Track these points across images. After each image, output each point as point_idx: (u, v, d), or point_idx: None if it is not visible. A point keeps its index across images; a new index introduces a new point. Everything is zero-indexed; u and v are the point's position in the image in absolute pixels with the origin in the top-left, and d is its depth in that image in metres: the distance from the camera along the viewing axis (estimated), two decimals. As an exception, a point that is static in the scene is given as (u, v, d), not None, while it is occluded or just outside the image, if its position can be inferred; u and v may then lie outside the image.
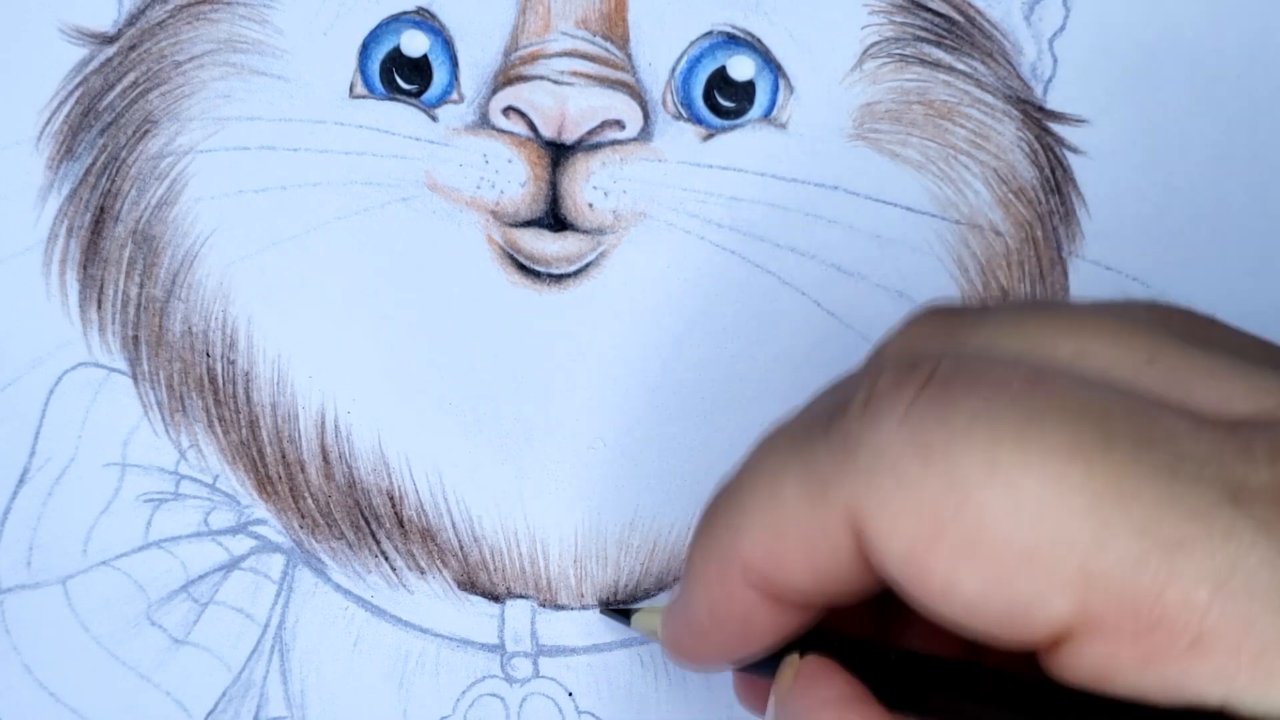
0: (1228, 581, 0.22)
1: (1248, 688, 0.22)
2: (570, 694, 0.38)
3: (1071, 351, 0.25)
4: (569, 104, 0.38)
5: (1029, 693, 0.25)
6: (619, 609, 0.38)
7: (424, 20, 0.39)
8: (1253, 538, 0.22)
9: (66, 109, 0.39)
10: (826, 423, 0.25)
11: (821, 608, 0.27)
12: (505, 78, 0.38)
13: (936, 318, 0.27)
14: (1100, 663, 0.23)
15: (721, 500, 0.27)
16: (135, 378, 0.39)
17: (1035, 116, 0.39)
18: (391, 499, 0.38)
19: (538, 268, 0.38)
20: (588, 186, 0.38)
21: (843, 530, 0.24)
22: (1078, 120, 0.39)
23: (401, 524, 0.38)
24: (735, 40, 0.38)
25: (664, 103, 0.38)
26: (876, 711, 0.26)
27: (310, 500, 0.38)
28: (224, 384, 0.38)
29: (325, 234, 0.38)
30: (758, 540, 0.26)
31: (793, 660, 0.28)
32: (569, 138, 0.38)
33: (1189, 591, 0.22)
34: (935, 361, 0.24)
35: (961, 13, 0.39)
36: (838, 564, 0.25)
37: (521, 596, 0.38)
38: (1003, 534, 0.23)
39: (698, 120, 0.38)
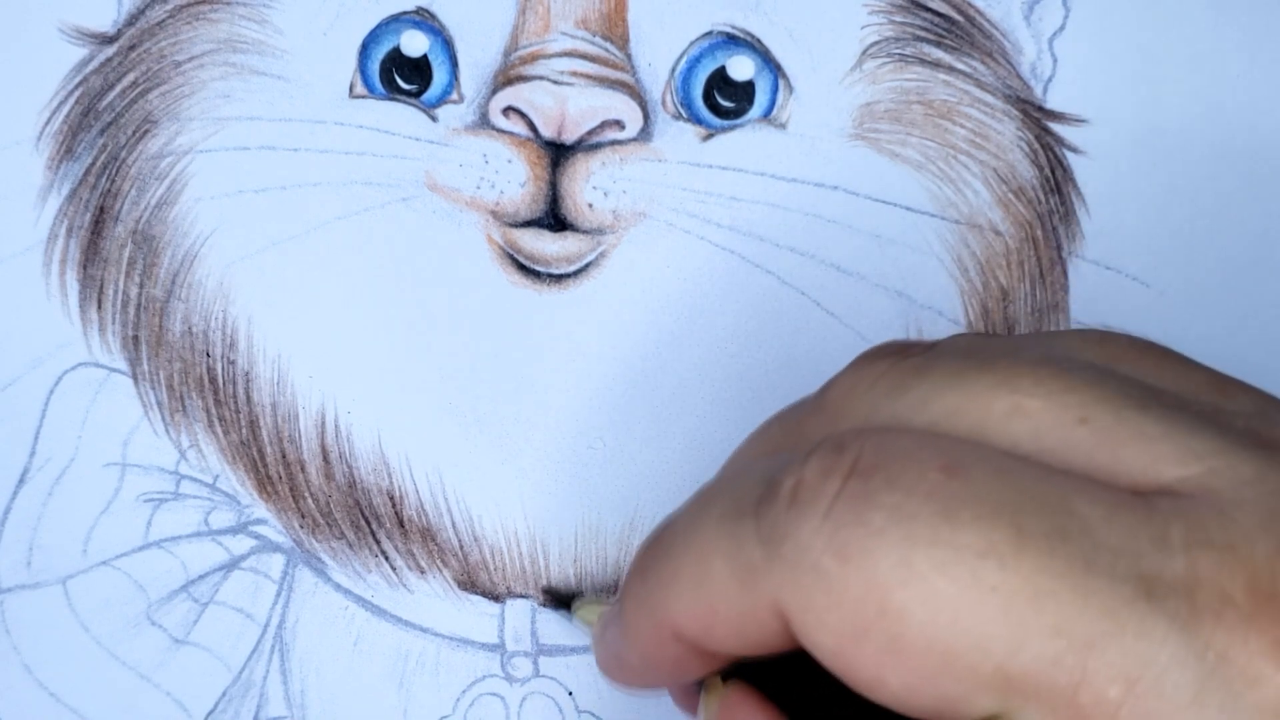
0: (1139, 680, 0.22)
1: None
2: (570, 693, 0.38)
3: (1007, 409, 0.25)
4: (569, 104, 0.38)
5: None
6: (559, 597, 0.38)
7: (424, 20, 0.39)
8: (1164, 634, 0.22)
9: (66, 109, 0.39)
10: (756, 505, 0.25)
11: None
12: (505, 78, 0.38)
13: (883, 362, 0.27)
14: None
15: (656, 554, 0.27)
16: (135, 378, 0.39)
17: (1035, 116, 0.39)
18: (391, 499, 0.38)
19: (538, 268, 0.38)
20: (587, 186, 0.38)
21: (770, 615, 0.25)
22: (1078, 120, 0.39)
23: (401, 524, 0.38)
24: (735, 40, 0.38)
25: (664, 103, 0.38)
26: None
27: (310, 500, 0.38)
28: (224, 384, 0.38)
29: (325, 234, 0.38)
30: (688, 609, 0.26)
31: (716, 686, 0.28)
32: (569, 138, 0.38)
33: (1102, 690, 0.22)
34: (862, 443, 0.25)
35: (961, 12, 0.39)
36: (766, 637, 0.26)
37: (521, 596, 0.38)
38: (922, 636, 0.23)
39: (697, 120, 0.38)
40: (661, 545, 0.27)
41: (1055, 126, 0.39)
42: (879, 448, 0.24)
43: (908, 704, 0.24)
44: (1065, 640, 0.22)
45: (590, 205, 0.38)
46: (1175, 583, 0.23)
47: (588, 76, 0.38)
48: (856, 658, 0.24)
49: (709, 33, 0.38)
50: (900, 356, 0.27)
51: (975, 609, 0.23)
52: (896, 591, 0.23)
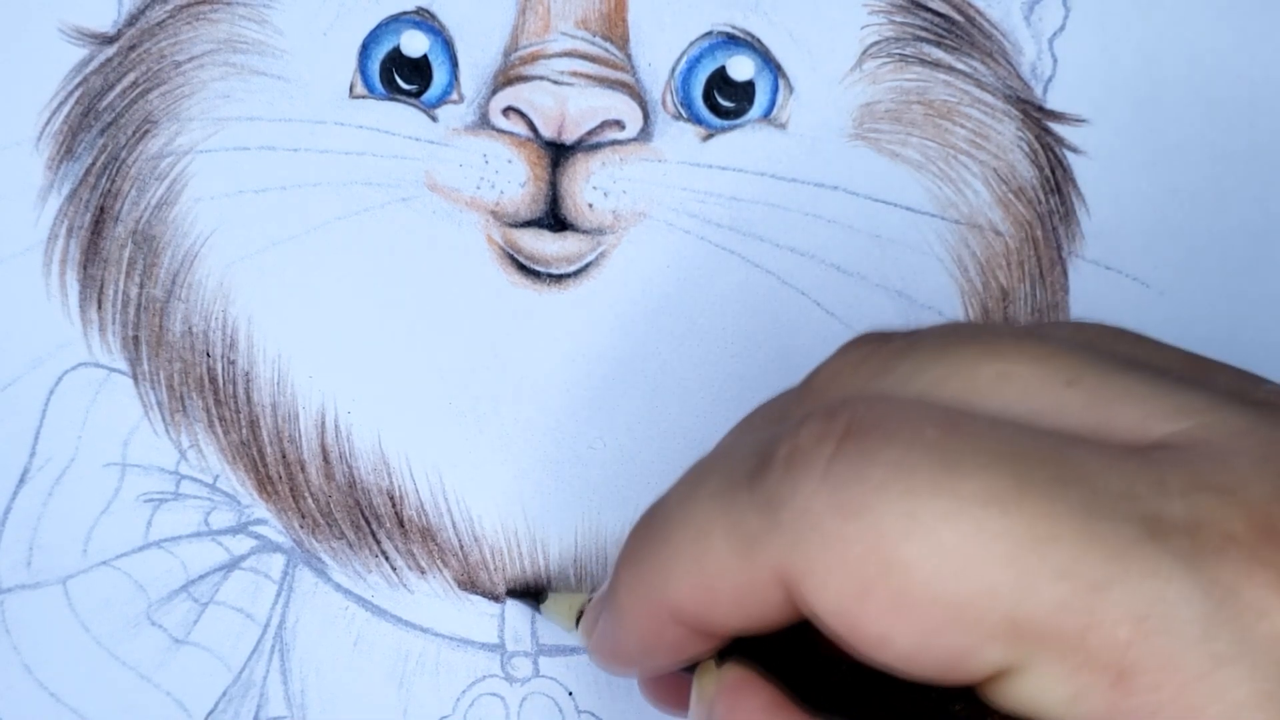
0: (1147, 618, 0.22)
1: None
2: (570, 693, 0.38)
3: (994, 374, 0.25)
4: (569, 104, 0.38)
5: (942, 698, 0.25)
6: (527, 593, 0.38)
7: (424, 20, 0.39)
8: (1169, 572, 0.22)
9: (66, 109, 0.39)
10: (751, 476, 0.25)
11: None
12: (505, 78, 0.38)
13: (867, 346, 0.27)
14: (1033, 697, 0.23)
15: (649, 537, 0.27)
16: (135, 378, 0.39)
17: (1035, 116, 0.39)
18: (391, 499, 0.38)
19: (538, 268, 0.38)
20: (588, 187, 0.38)
21: (772, 584, 0.25)
22: (1078, 120, 0.39)
23: (401, 524, 0.38)
24: (735, 40, 0.38)
25: (664, 103, 0.38)
26: (801, 717, 0.27)
27: (310, 500, 0.38)
28: (224, 384, 0.38)
29: (325, 234, 0.38)
30: (686, 588, 0.26)
31: (710, 668, 0.28)
32: (569, 138, 0.38)
33: (1111, 631, 0.22)
34: (854, 408, 0.25)
35: (961, 12, 0.39)
36: (767, 610, 0.25)
37: (521, 596, 0.38)
38: (928, 589, 0.23)
39: (697, 120, 0.38)
40: (654, 527, 0.27)
41: (1055, 126, 0.39)
42: (872, 410, 0.24)
43: (914, 663, 0.24)
44: (1072, 583, 0.22)
45: (590, 205, 0.38)
46: (1178, 523, 0.22)
47: (588, 76, 0.38)
48: (862, 617, 0.23)
49: (709, 33, 0.38)
50: (883, 341, 0.27)
51: (980, 557, 0.22)
52: (901, 544, 0.23)
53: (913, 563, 0.23)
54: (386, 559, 0.38)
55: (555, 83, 0.38)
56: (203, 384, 0.38)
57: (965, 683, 0.24)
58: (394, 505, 0.38)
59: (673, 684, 0.33)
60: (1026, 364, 0.25)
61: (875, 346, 0.27)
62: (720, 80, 0.38)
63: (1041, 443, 0.24)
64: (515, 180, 0.38)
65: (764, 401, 0.30)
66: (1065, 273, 0.39)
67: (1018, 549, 0.22)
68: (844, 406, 0.25)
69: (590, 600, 0.33)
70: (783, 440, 0.25)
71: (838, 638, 0.24)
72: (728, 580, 0.25)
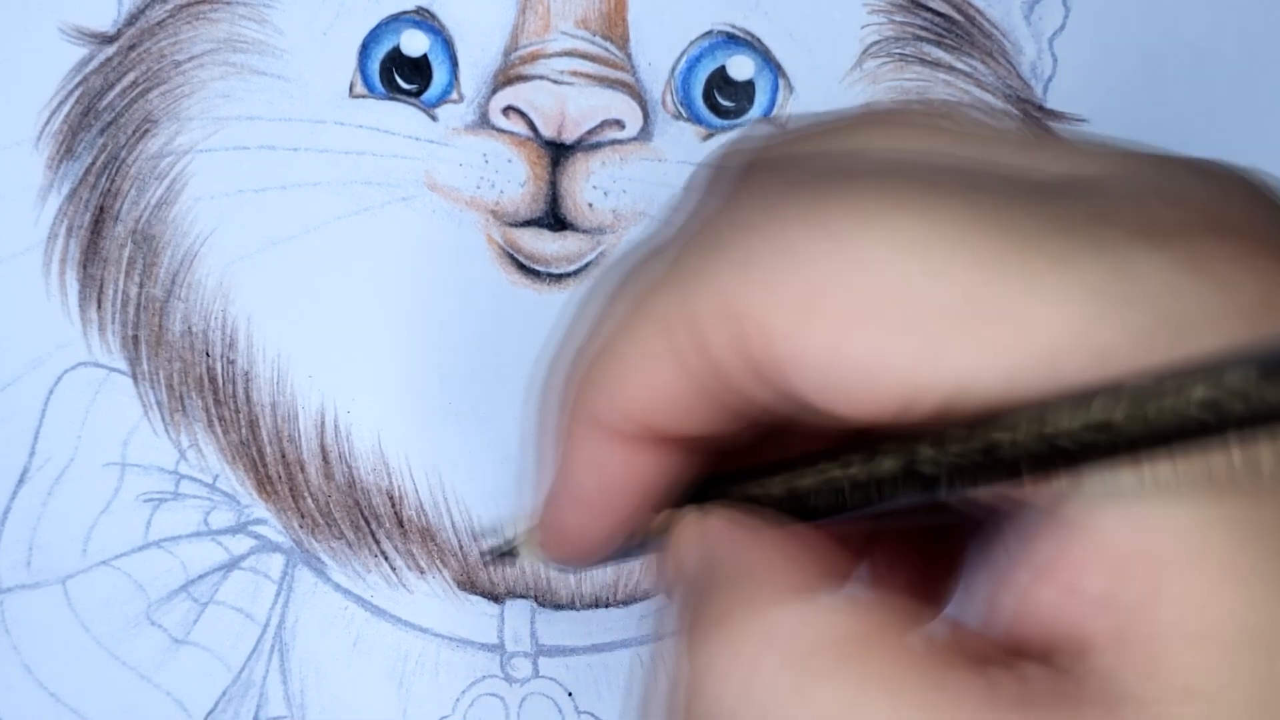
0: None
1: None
2: (570, 694, 0.38)
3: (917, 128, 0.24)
4: (569, 104, 0.38)
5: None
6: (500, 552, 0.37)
7: (424, 20, 0.39)
8: (1129, 251, 0.21)
9: (66, 109, 0.39)
10: (673, 248, 0.24)
11: (706, 452, 0.26)
12: (505, 77, 0.38)
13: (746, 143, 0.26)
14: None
15: (578, 364, 0.26)
16: (135, 378, 0.39)
17: (1035, 116, 0.39)
18: (391, 499, 0.38)
19: (538, 267, 0.38)
20: (588, 186, 0.38)
21: (720, 331, 0.23)
22: (1078, 120, 0.39)
23: (401, 524, 0.38)
24: (735, 40, 0.38)
25: (664, 102, 0.38)
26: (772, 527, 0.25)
27: (310, 500, 0.38)
28: (224, 384, 0.38)
29: (325, 234, 0.38)
30: (631, 381, 0.24)
31: (680, 517, 0.26)
32: (569, 137, 0.38)
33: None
34: (783, 157, 0.24)
35: (961, 12, 0.39)
36: (718, 386, 0.24)
37: (521, 596, 0.38)
38: (891, 286, 0.21)
39: (698, 120, 0.38)
40: (583, 354, 0.26)
41: (1055, 126, 0.39)
42: (808, 157, 0.24)
43: (867, 376, 0.22)
44: (1044, 261, 0.21)
45: (590, 205, 0.38)
46: (1125, 218, 0.22)
47: (588, 76, 0.38)
48: (814, 329, 0.22)
49: (709, 32, 0.38)
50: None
51: (950, 250, 0.21)
52: (849, 245, 0.22)
53: (874, 260, 0.21)
54: (386, 559, 0.38)
55: (555, 82, 0.38)
56: (202, 384, 0.38)
57: (926, 407, 0.22)
58: (393, 505, 0.38)
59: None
60: (918, 129, 0.24)
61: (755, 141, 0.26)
62: (720, 80, 0.38)
63: (980, 166, 0.23)
64: (515, 180, 0.38)
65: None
66: (1065, 272, 0.39)
67: (1000, 243, 0.21)
68: (757, 157, 0.24)
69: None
70: (700, 203, 0.24)
71: (787, 379, 0.23)
72: (671, 348, 0.24)
